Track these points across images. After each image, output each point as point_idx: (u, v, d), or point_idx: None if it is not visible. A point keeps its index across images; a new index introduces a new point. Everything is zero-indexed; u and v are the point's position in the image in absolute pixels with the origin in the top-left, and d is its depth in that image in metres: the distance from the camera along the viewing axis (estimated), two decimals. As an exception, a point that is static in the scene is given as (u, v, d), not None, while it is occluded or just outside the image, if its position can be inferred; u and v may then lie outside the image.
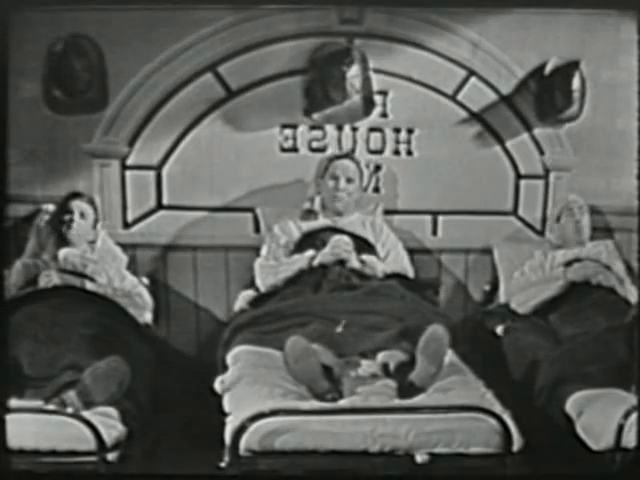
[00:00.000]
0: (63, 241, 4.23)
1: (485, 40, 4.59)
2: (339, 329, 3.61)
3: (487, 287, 4.71)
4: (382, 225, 4.50)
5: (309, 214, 4.46)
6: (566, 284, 4.24)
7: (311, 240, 4.31)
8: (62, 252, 4.19)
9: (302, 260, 4.20)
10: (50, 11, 4.37)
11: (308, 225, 4.41)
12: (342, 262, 4.15)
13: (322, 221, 4.42)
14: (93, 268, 4.16)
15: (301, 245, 4.31)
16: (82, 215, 4.27)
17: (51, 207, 4.34)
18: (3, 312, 3.55)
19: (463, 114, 4.68)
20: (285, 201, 4.57)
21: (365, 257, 4.22)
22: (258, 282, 4.28)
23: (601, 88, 4.63)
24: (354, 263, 4.16)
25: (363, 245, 4.30)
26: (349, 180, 4.41)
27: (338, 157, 4.48)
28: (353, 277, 4.11)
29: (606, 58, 4.58)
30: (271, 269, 4.26)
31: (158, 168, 4.61)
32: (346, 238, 4.24)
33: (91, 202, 4.33)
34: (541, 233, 4.72)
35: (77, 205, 4.26)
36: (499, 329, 4.26)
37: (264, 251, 4.39)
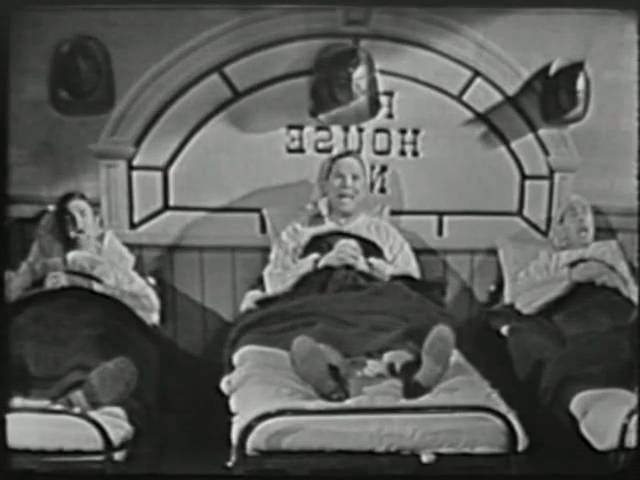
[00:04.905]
0: (71, 244, 4.26)
1: (490, 41, 4.59)
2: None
3: (492, 287, 4.72)
4: (388, 227, 4.49)
5: (316, 218, 4.46)
6: (571, 284, 4.24)
7: (318, 244, 4.31)
8: (71, 255, 4.20)
9: (307, 264, 4.19)
10: (56, 12, 4.37)
11: (315, 229, 4.40)
12: (349, 265, 4.14)
13: (329, 225, 4.42)
14: (101, 270, 4.17)
15: (309, 249, 4.31)
16: (82, 213, 4.28)
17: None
18: (11, 312, 3.58)
19: (468, 115, 4.68)
20: (291, 202, 4.58)
21: (372, 260, 4.22)
22: (268, 290, 4.28)
23: (605, 89, 4.63)
24: (361, 266, 4.16)
25: (370, 248, 4.30)
26: (355, 177, 4.40)
27: (340, 156, 4.47)
28: (359, 277, 4.11)
29: (611, 59, 4.58)
30: (279, 277, 4.26)
31: (164, 169, 4.62)
32: (353, 243, 4.25)
33: (83, 197, 4.33)
34: (546, 234, 4.73)
35: (74, 206, 4.28)
36: (504, 329, 4.27)
37: (272, 257, 4.39)
